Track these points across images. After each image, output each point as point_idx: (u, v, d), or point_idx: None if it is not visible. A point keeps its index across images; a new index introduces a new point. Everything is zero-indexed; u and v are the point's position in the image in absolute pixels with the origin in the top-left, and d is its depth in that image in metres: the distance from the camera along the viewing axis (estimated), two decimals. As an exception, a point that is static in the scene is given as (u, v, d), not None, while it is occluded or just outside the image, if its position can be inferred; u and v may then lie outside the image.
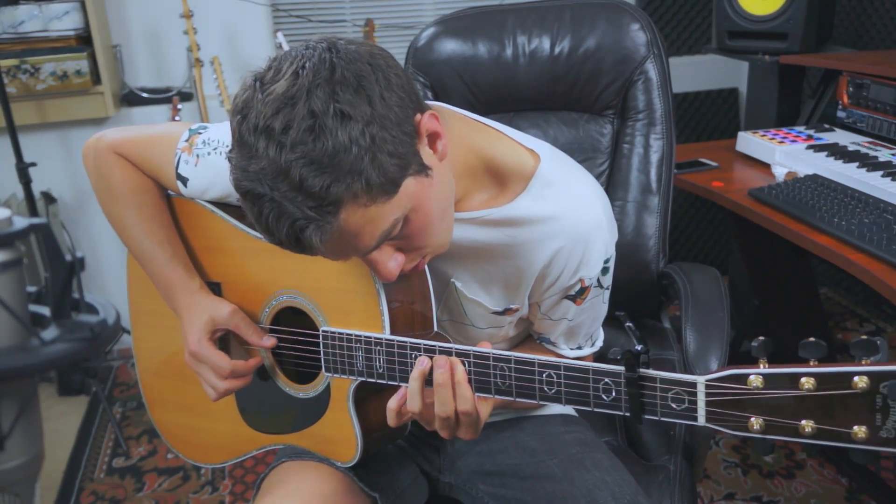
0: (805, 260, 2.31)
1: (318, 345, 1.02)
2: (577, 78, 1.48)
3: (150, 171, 1.13)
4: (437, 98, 1.50)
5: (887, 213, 1.49)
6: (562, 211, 0.97)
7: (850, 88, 2.00)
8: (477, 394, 0.91)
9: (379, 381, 0.98)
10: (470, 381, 0.91)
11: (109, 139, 1.13)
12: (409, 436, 1.15)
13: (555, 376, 0.87)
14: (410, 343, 0.94)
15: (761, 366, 0.75)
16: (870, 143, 1.88)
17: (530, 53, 1.49)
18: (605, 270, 1.02)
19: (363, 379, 0.99)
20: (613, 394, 0.84)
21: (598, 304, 1.07)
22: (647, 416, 0.82)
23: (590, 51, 1.46)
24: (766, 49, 2.26)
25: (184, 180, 1.09)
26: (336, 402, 1.04)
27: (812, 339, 0.72)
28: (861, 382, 0.69)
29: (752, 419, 0.75)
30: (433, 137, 0.87)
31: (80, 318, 1.82)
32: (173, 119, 2.61)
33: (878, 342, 0.70)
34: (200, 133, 1.08)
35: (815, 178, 1.70)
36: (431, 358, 0.91)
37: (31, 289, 1.83)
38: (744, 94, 3.05)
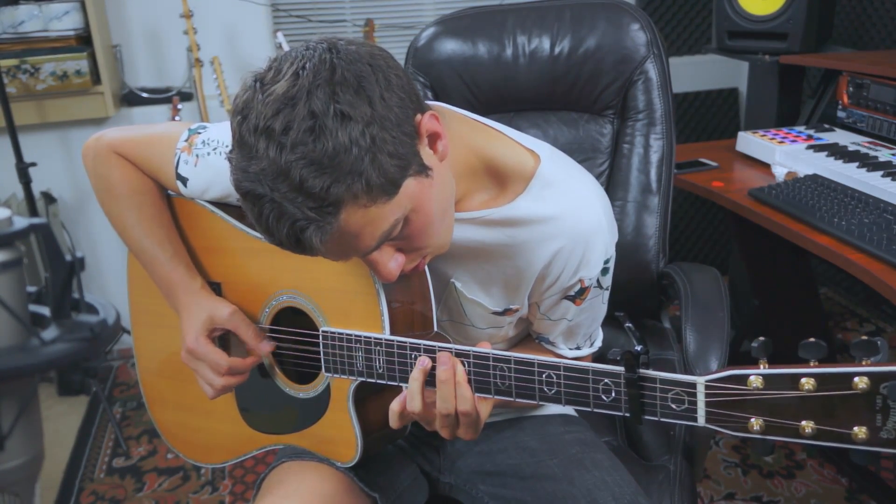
0: (805, 260, 2.31)
1: (318, 345, 1.02)
2: (577, 78, 1.48)
3: (150, 171, 1.13)
4: (437, 98, 1.50)
5: (887, 213, 1.49)
6: (562, 211, 0.97)
7: (850, 88, 2.00)
8: (476, 394, 0.92)
9: (379, 381, 0.98)
10: (469, 381, 0.91)
11: (109, 139, 1.13)
12: (409, 436, 1.15)
13: (554, 377, 0.87)
14: (410, 343, 0.94)
15: (761, 366, 0.75)
16: (870, 143, 1.88)
17: (530, 53, 1.49)
18: (604, 271, 1.02)
19: (363, 379, 0.99)
20: (613, 394, 0.84)
21: (598, 304, 1.07)
22: (646, 417, 0.82)
23: (590, 51, 1.46)
24: (766, 49, 2.26)
25: (183, 180, 1.09)
26: (336, 403, 1.04)
27: (812, 339, 0.72)
28: (861, 383, 0.69)
29: (752, 420, 0.75)
30: (433, 138, 0.87)
31: (80, 318, 1.82)
32: (173, 119, 2.61)
33: (879, 342, 0.70)
34: (200, 133, 1.08)
35: (815, 178, 1.70)
36: (432, 358, 0.91)
37: (31, 289, 1.83)
38: (744, 94, 3.05)
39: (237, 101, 0.81)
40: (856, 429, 0.70)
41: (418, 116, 0.84)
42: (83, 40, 2.52)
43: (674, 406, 0.80)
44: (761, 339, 0.75)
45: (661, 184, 1.46)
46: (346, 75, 0.78)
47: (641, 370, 0.81)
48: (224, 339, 1.13)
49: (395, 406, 0.94)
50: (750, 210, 1.68)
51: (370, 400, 1.04)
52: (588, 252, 0.98)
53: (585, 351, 1.12)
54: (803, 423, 0.72)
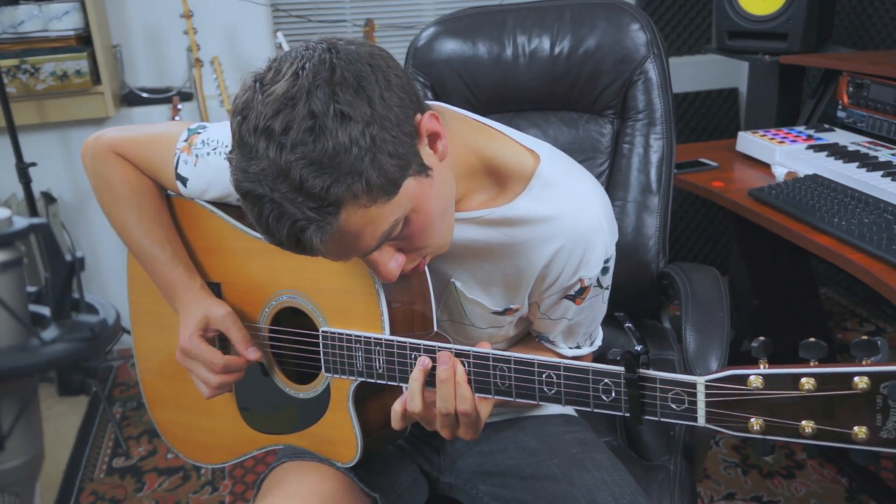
0: (805, 260, 2.31)
1: (317, 345, 1.02)
2: (577, 78, 1.48)
3: (149, 170, 1.13)
4: (437, 98, 1.50)
5: (887, 213, 1.49)
6: (562, 211, 0.97)
7: (850, 88, 2.00)
8: (476, 394, 0.92)
9: (378, 381, 0.98)
10: (469, 381, 0.91)
11: (108, 139, 1.13)
12: (409, 436, 1.15)
13: (554, 377, 0.87)
14: (410, 343, 0.94)
15: (761, 366, 0.75)
16: (870, 143, 1.88)
17: (530, 53, 1.49)
18: (604, 270, 1.02)
19: (363, 379, 0.99)
20: (613, 394, 0.84)
21: (598, 303, 1.07)
22: (646, 417, 0.82)
23: (590, 51, 1.46)
24: (766, 49, 2.26)
25: (183, 180, 1.09)
26: (336, 403, 1.04)
27: (812, 339, 0.72)
28: (861, 383, 0.69)
29: (753, 420, 0.75)
30: (433, 138, 0.87)
31: (80, 318, 1.82)
32: (173, 119, 2.61)
33: (879, 342, 0.70)
34: (199, 133, 1.08)
35: (815, 178, 1.70)
36: (432, 358, 0.91)
37: (31, 289, 1.83)
38: (744, 94, 3.05)
39: (237, 101, 0.81)
40: (856, 429, 0.70)
41: (418, 116, 0.84)
42: (83, 40, 2.52)
43: (674, 406, 0.80)
44: (761, 339, 0.75)
45: (661, 184, 1.46)
46: (346, 75, 0.78)
47: (641, 370, 0.81)
48: (223, 340, 1.13)
49: (397, 407, 0.94)
50: (750, 210, 1.68)
51: (370, 400, 1.04)
52: (588, 252, 0.98)
53: (585, 350, 1.12)
54: (803, 422, 0.72)
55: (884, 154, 1.78)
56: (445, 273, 1.04)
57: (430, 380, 0.92)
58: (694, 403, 0.78)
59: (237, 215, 1.10)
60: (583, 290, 1.02)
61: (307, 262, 0.97)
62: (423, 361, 0.92)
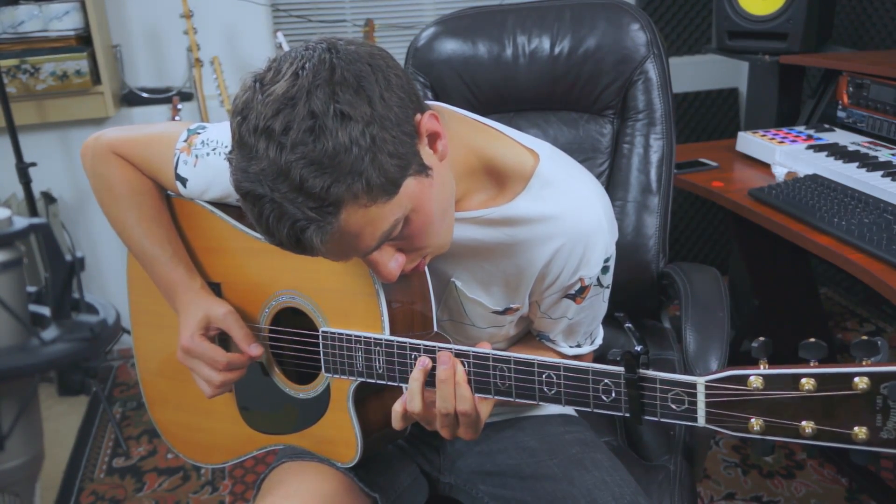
0: (805, 260, 2.31)
1: (317, 345, 1.02)
2: (577, 78, 1.48)
3: (149, 171, 1.13)
4: (437, 98, 1.50)
5: (887, 213, 1.49)
6: (561, 210, 0.97)
7: (850, 88, 2.00)
8: (476, 394, 0.92)
9: (378, 381, 0.98)
10: (469, 381, 0.91)
11: (107, 139, 1.13)
12: (409, 436, 1.15)
13: (554, 377, 0.87)
14: (410, 344, 0.94)
15: (761, 366, 0.75)
16: (870, 143, 1.88)
17: (530, 53, 1.49)
18: (605, 269, 1.02)
19: (363, 379, 0.99)
20: (613, 395, 0.84)
21: (598, 302, 1.07)
22: (646, 417, 0.82)
23: (590, 51, 1.46)
24: (766, 49, 2.26)
25: (183, 181, 1.09)
26: (336, 403, 1.04)
27: (812, 339, 0.72)
28: (861, 383, 0.69)
29: (753, 420, 0.75)
30: (433, 137, 0.87)
31: (80, 318, 1.82)
32: (173, 119, 2.61)
33: (879, 342, 0.70)
34: (199, 133, 1.08)
35: (815, 178, 1.70)
36: (432, 358, 0.91)
37: (31, 289, 1.83)
38: (744, 94, 3.05)
39: (237, 101, 0.81)
40: (856, 429, 0.70)
41: (418, 116, 0.84)
42: (83, 40, 2.52)
43: (674, 406, 0.80)
44: (761, 339, 0.75)
45: (661, 184, 1.46)
46: (346, 75, 0.78)
47: (641, 370, 0.81)
48: (224, 339, 1.13)
49: (397, 407, 0.94)
50: (750, 210, 1.68)
51: (370, 400, 1.04)
52: (588, 251, 0.98)
53: (586, 349, 1.12)
54: (803, 423, 0.72)
55: (884, 154, 1.78)
56: (446, 273, 1.04)
57: (430, 380, 0.92)
58: (694, 404, 0.78)
59: (237, 215, 1.10)
60: (583, 290, 1.02)
61: (307, 263, 0.97)
62: (423, 361, 0.92)
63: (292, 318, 1.08)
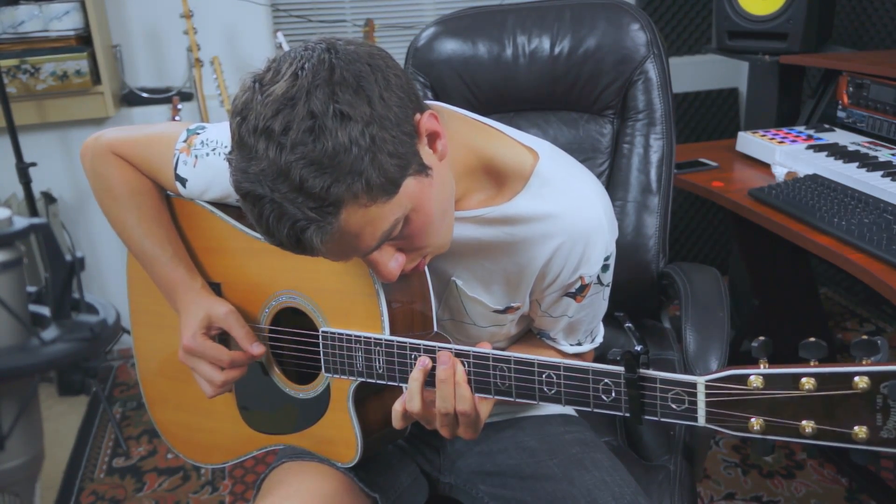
0: (805, 260, 2.31)
1: (317, 345, 1.02)
2: (577, 78, 1.48)
3: (149, 171, 1.13)
4: (437, 98, 1.50)
5: (887, 213, 1.49)
6: (561, 209, 0.97)
7: (850, 88, 2.00)
8: (476, 394, 0.92)
9: (378, 381, 0.98)
10: (469, 381, 0.91)
11: (107, 139, 1.13)
12: (409, 436, 1.15)
13: (554, 377, 0.87)
14: (410, 344, 0.94)
15: (761, 366, 0.75)
16: (870, 143, 1.88)
17: (530, 53, 1.49)
18: (605, 268, 1.02)
19: (363, 379, 0.99)
20: (613, 394, 0.84)
21: (599, 300, 1.07)
22: (646, 417, 0.82)
23: (590, 51, 1.46)
24: (766, 49, 2.26)
25: (182, 181, 1.09)
26: (336, 403, 1.04)
27: (812, 339, 0.72)
28: (861, 383, 0.69)
29: (753, 419, 0.75)
30: (433, 137, 0.87)
31: (80, 318, 1.82)
32: (173, 119, 2.61)
33: (879, 342, 0.70)
34: (198, 133, 1.08)
35: (815, 178, 1.70)
36: (432, 358, 0.91)
37: (31, 289, 1.83)
38: (744, 94, 3.05)
39: (236, 102, 0.81)
40: (856, 428, 0.70)
41: (417, 116, 0.84)
42: (83, 40, 2.52)
43: (674, 406, 0.80)
44: (761, 338, 0.75)
45: (661, 184, 1.46)
46: (346, 75, 0.78)
47: (641, 370, 0.81)
48: (223, 339, 1.13)
49: (397, 406, 0.94)
50: (750, 210, 1.68)
51: (370, 400, 1.04)
52: (588, 249, 0.98)
53: (587, 347, 1.12)
54: (803, 422, 0.72)
55: (884, 154, 1.78)
56: (446, 272, 1.04)
57: (430, 380, 0.92)
58: (694, 403, 0.78)
59: (237, 215, 1.10)
60: (583, 288, 1.02)
61: (307, 263, 0.97)
62: (423, 361, 0.92)
63: (292, 318, 1.08)
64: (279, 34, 2.60)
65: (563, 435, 1.14)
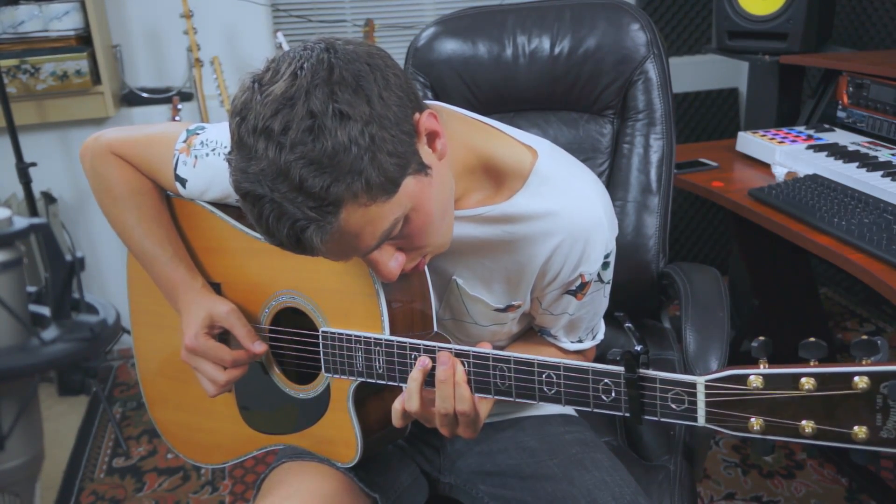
0: (805, 260, 2.31)
1: (317, 345, 1.02)
2: (577, 78, 1.48)
3: (149, 171, 1.13)
4: (437, 98, 1.50)
5: (887, 213, 1.49)
6: (560, 207, 0.97)
7: (850, 88, 2.00)
8: (476, 394, 0.92)
9: (378, 381, 0.98)
10: (469, 381, 0.91)
11: (107, 139, 1.13)
12: (409, 436, 1.15)
13: (554, 377, 0.87)
14: (410, 343, 0.94)
15: (761, 366, 0.75)
16: (870, 143, 1.88)
17: (530, 53, 1.49)
18: (605, 265, 1.02)
19: (363, 379, 0.99)
20: (613, 394, 0.84)
21: (599, 298, 1.07)
22: (646, 417, 0.82)
23: (590, 51, 1.46)
24: (766, 49, 2.26)
25: (182, 181, 1.09)
26: (336, 403, 1.04)
27: (812, 339, 0.72)
28: (861, 382, 0.69)
29: (752, 419, 0.75)
30: (432, 136, 0.87)
31: (80, 318, 1.81)
32: (173, 119, 2.61)
33: (879, 342, 0.70)
34: (198, 134, 1.08)
35: (815, 178, 1.70)
36: (432, 358, 0.91)
37: (31, 289, 1.83)
38: (744, 94, 3.05)
39: (235, 102, 0.81)
40: (856, 428, 0.70)
41: (417, 115, 0.84)
42: (83, 40, 2.52)
43: (674, 406, 0.80)
44: (761, 338, 0.75)
45: (661, 184, 1.46)
46: (345, 75, 0.78)
47: (641, 370, 0.81)
48: (224, 339, 1.13)
49: (397, 405, 0.94)
50: (750, 210, 1.68)
51: (370, 400, 1.04)
52: (588, 247, 0.98)
53: (588, 343, 1.12)
54: (803, 422, 0.72)
55: (884, 154, 1.78)
56: (447, 271, 1.04)
57: (429, 379, 0.92)
58: (694, 403, 0.78)
59: (237, 215, 1.10)
60: (584, 286, 1.02)
61: (307, 263, 0.97)
62: (423, 361, 0.92)
63: (292, 318, 1.08)
64: (279, 34, 2.60)
65: (563, 435, 1.14)
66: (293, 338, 1.08)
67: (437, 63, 1.50)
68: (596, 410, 0.86)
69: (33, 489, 1.80)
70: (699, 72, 3.09)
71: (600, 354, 1.11)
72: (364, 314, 0.98)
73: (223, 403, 1.16)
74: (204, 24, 2.59)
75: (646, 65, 1.45)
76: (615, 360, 0.83)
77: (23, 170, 2.37)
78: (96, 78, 2.53)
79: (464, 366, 0.91)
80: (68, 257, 1.82)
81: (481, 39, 1.50)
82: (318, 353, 1.03)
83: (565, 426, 1.16)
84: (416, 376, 0.92)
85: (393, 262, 0.89)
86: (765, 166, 1.90)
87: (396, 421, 0.95)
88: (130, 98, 2.70)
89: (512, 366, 0.89)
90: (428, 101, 0.94)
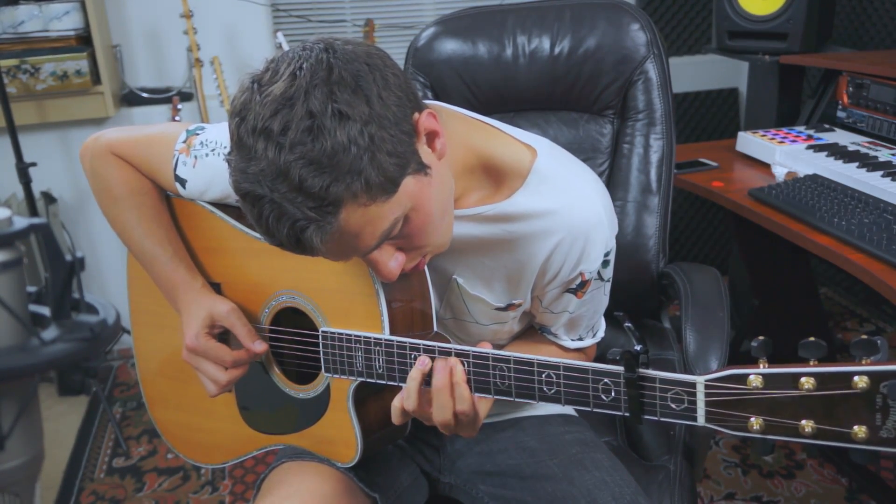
0: (805, 260, 2.31)
1: (317, 345, 1.02)
2: (577, 78, 1.48)
3: (148, 172, 1.13)
4: (437, 98, 1.50)
5: (887, 213, 1.49)
6: (560, 205, 0.97)
7: (850, 88, 2.00)
8: (476, 394, 0.92)
9: (378, 381, 0.98)
10: (469, 381, 0.91)
11: (107, 139, 1.13)
12: (409, 436, 1.15)
13: (554, 376, 0.87)
14: (410, 343, 0.94)
15: (761, 366, 0.75)
16: (870, 143, 1.88)
17: (530, 53, 1.49)
18: (605, 263, 1.02)
19: (363, 379, 0.99)
20: (613, 394, 0.84)
21: (599, 296, 1.07)
22: (646, 417, 0.82)
23: (590, 51, 1.46)
24: (766, 49, 2.26)
25: (182, 182, 1.09)
26: (336, 403, 1.04)
27: (812, 338, 0.72)
28: (861, 382, 0.69)
29: (752, 419, 0.75)
30: (431, 136, 0.87)
31: (80, 318, 1.81)
32: (173, 119, 2.61)
33: (878, 342, 0.70)
34: (198, 134, 1.08)
35: (815, 178, 1.70)
36: (432, 359, 0.91)
37: (31, 289, 1.83)
38: (744, 94, 3.05)
39: (235, 102, 0.81)
40: (856, 428, 0.70)
41: (416, 115, 0.84)
42: (83, 40, 2.52)
43: (673, 406, 0.80)
44: (761, 338, 0.75)
45: (661, 184, 1.46)
46: (344, 75, 0.78)
47: (641, 370, 0.81)
48: (224, 338, 1.13)
49: (396, 402, 0.94)
50: (750, 210, 1.68)
51: (370, 400, 1.04)
52: (588, 245, 0.98)
53: (588, 341, 1.12)
54: (803, 422, 0.72)
55: (884, 154, 1.78)
56: (447, 270, 1.04)
57: (429, 380, 0.92)
58: (694, 403, 0.78)
59: (237, 215, 1.10)
60: (584, 284, 1.02)
61: (307, 262, 0.97)
62: (423, 361, 0.92)
63: (292, 318, 1.08)
64: (279, 34, 2.60)
65: (563, 435, 1.14)
66: (293, 338, 1.08)
67: (436, 63, 1.50)
68: (596, 410, 0.86)
69: (33, 489, 1.80)
70: (699, 72, 3.09)
71: (600, 353, 1.11)
72: (364, 314, 0.98)
73: (223, 403, 1.16)
74: (204, 24, 2.59)
75: (646, 65, 1.45)
76: (615, 360, 0.83)
77: (23, 170, 2.37)
78: (96, 78, 2.53)
79: (463, 366, 0.91)
80: (68, 257, 1.82)
81: (481, 39, 1.50)
82: (317, 352, 1.03)
83: (565, 426, 1.16)
84: (415, 376, 0.92)
85: (393, 261, 0.89)
86: (765, 166, 1.90)
87: (395, 418, 0.95)
88: (130, 98, 2.70)
89: (511, 365, 0.89)
90: (427, 101, 0.94)
